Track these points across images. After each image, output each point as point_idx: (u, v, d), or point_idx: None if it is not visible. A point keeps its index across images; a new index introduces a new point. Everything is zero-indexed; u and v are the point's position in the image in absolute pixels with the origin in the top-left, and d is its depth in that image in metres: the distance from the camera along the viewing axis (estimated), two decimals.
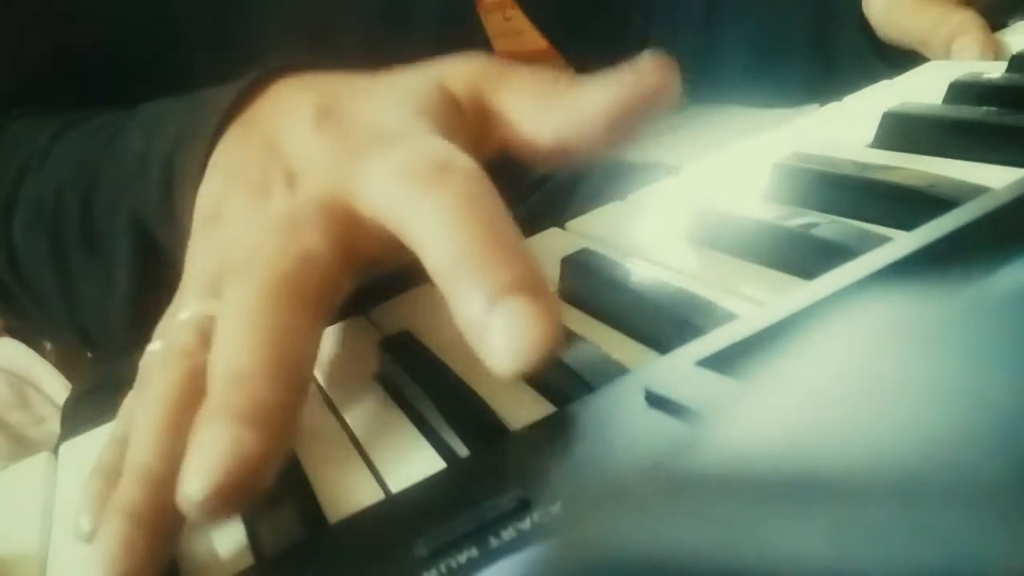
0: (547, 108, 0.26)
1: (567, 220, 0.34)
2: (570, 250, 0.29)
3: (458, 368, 0.25)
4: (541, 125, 0.26)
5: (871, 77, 0.39)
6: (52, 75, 0.43)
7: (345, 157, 0.24)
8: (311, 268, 0.22)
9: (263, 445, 0.19)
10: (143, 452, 0.21)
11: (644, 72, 0.26)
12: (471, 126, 0.27)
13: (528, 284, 0.19)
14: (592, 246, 0.30)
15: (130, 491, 0.20)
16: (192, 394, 0.22)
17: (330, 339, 0.31)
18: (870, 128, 0.33)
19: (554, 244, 0.33)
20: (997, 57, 0.38)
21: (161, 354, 0.24)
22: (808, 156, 0.32)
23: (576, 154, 0.27)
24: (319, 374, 0.29)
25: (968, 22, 0.39)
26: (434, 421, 0.24)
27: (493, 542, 0.17)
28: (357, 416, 0.26)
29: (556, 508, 0.17)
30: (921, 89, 0.35)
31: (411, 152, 0.23)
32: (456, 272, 0.20)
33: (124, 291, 0.33)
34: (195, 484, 0.18)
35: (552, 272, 0.30)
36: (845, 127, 0.35)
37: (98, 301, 0.35)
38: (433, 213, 0.21)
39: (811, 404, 0.10)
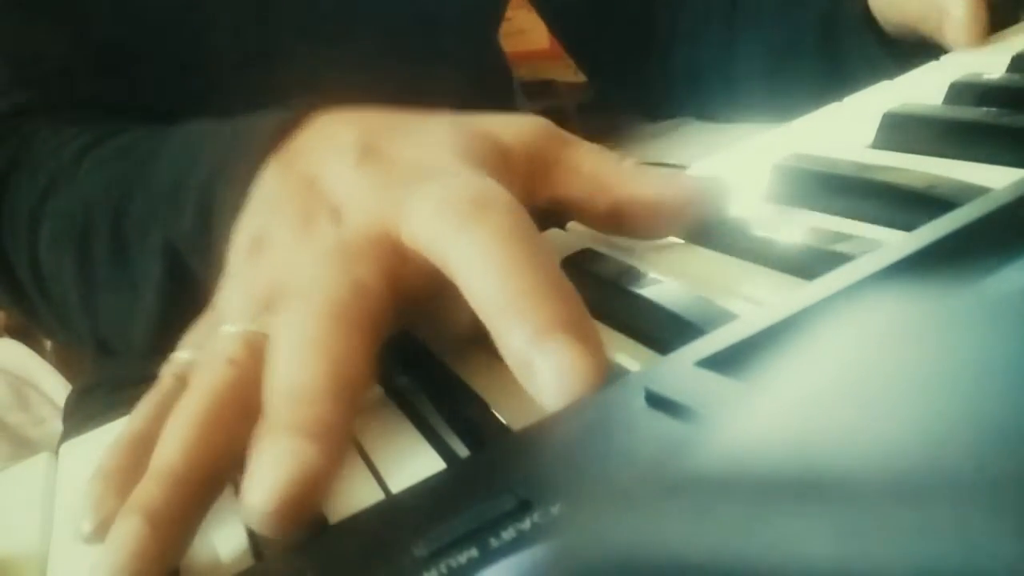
0: (608, 177, 0.27)
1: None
2: (570, 250, 0.29)
3: (458, 368, 0.25)
4: (599, 192, 0.27)
5: (880, 76, 0.39)
6: (72, 78, 0.43)
7: (389, 192, 0.24)
8: (363, 298, 0.22)
9: (327, 460, 0.19)
10: (174, 452, 0.21)
11: (701, 182, 0.28)
12: (519, 176, 0.27)
13: (572, 321, 0.20)
14: (593, 246, 0.30)
15: (153, 491, 0.20)
16: (237, 403, 0.22)
17: None
18: (870, 129, 0.33)
19: (555, 244, 0.33)
20: (988, 42, 0.38)
21: (206, 361, 0.24)
22: (808, 157, 0.32)
23: (621, 230, 0.28)
24: None
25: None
26: (434, 421, 0.24)
27: (493, 542, 0.17)
28: (357, 416, 0.26)
29: (556, 509, 0.17)
30: (921, 90, 0.35)
31: (452, 187, 0.23)
32: (500, 309, 0.20)
33: (152, 308, 0.34)
34: (263, 495, 0.18)
35: None
36: (845, 128, 0.35)
37: (122, 315, 0.35)
38: (474, 248, 0.21)
39: (811, 405, 0.10)
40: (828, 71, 0.47)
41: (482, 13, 0.55)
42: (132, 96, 0.41)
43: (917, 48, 0.42)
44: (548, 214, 0.29)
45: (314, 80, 0.45)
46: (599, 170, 0.28)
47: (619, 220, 0.28)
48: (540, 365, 0.19)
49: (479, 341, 0.28)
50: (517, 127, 0.28)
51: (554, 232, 0.34)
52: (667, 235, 0.29)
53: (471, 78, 0.52)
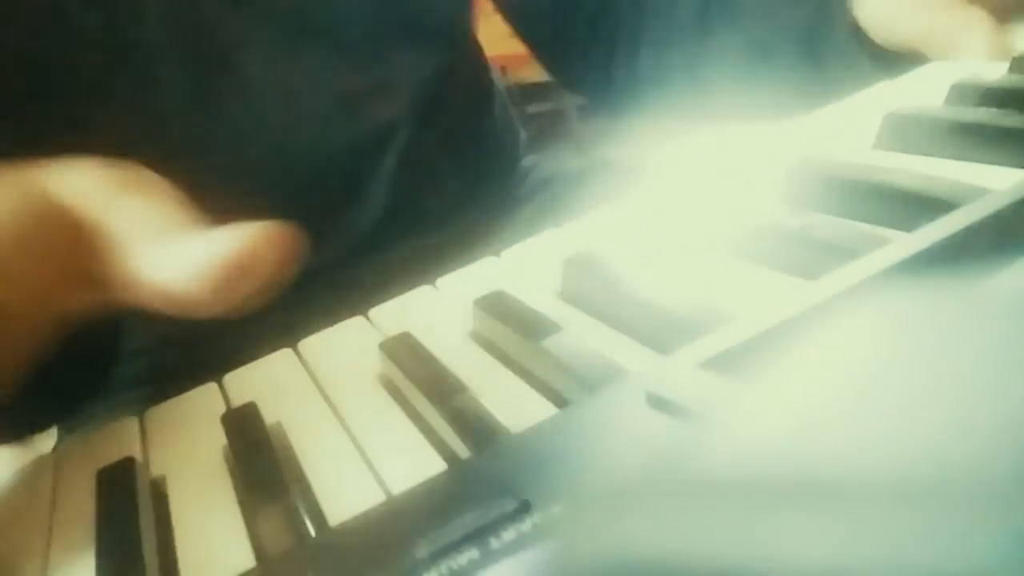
0: (156, 248, 0.24)
1: (567, 220, 0.34)
2: (571, 250, 0.29)
3: (458, 368, 0.25)
4: (146, 265, 0.24)
5: (862, 81, 0.38)
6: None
7: None
8: None
9: None
10: None
11: (260, 235, 0.24)
12: (68, 246, 0.25)
13: None
14: (593, 246, 0.30)
15: None
16: None
17: (330, 339, 0.31)
18: (871, 129, 0.33)
19: (554, 244, 0.33)
20: (1004, 56, 0.36)
21: None
22: (809, 157, 0.32)
23: (178, 304, 0.25)
24: (320, 374, 0.29)
25: (974, 20, 0.37)
26: (434, 421, 0.24)
27: (494, 543, 0.17)
28: (357, 416, 0.26)
29: (557, 510, 0.17)
30: (922, 90, 0.35)
31: None
32: None
33: None
34: None
35: (552, 272, 0.30)
36: (846, 128, 0.35)
37: None
38: None
39: (812, 406, 0.10)
40: (809, 77, 0.46)
41: (441, 19, 0.53)
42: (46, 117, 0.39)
43: (904, 54, 0.41)
44: None
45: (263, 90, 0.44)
46: (143, 238, 0.25)
47: (166, 302, 0.24)
48: None
49: (479, 341, 0.28)
50: (78, 182, 0.25)
51: (554, 232, 0.34)
52: (234, 305, 0.25)
53: (433, 83, 0.51)
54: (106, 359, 0.29)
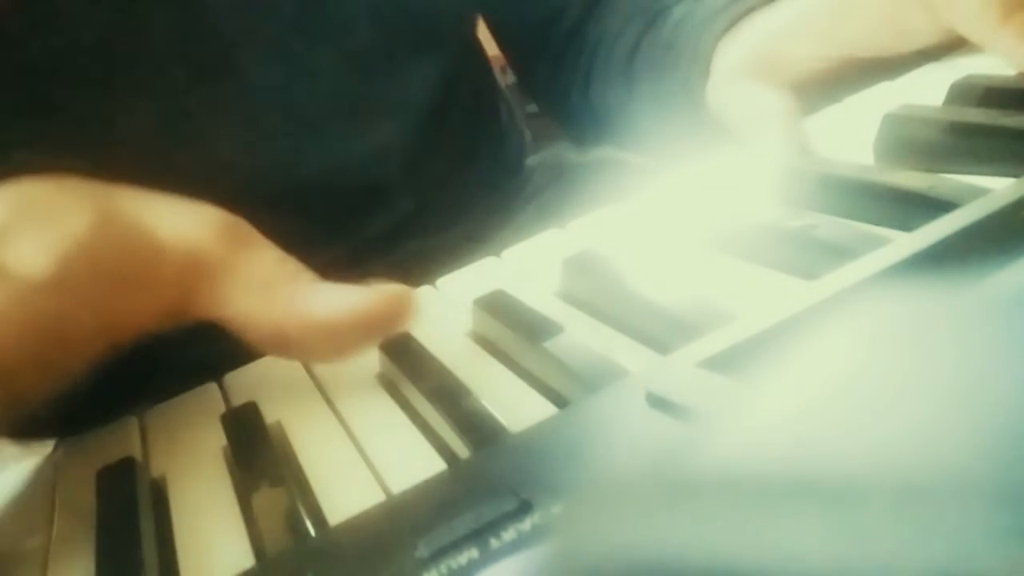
0: (277, 291, 0.25)
1: (567, 220, 0.34)
2: (571, 250, 0.29)
3: (458, 368, 0.25)
4: (264, 308, 0.25)
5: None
6: None
7: None
8: None
9: None
10: None
11: (382, 296, 0.25)
12: (166, 286, 0.25)
13: None
14: (593, 246, 0.30)
15: None
16: None
17: None
18: (871, 130, 0.33)
19: (554, 244, 0.33)
20: (801, 149, 0.34)
21: None
22: (809, 158, 0.32)
23: (289, 352, 0.26)
24: (320, 374, 0.29)
25: (777, 106, 0.36)
26: (434, 421, 0.24)
27: (494, 543, 0.17)
28: (357, 416, 0.26)
29: (557, 509, 0.17)
30: (921, 91, 0.35)
31: None
32: None
33: None
34: None
35: (552, 272, 0.30)
36: (846, 129, 0.35)
37: None
38: None
39: (811, 405, 0.10)
40: (700, 134, 0.44)
41: (440, 22, 0.53)
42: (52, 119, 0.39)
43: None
44: None
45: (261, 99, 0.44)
46: (270, 282, 0.25)
47: (285, 342, 0.25)
48: None
49: (478, 342, 0.28)
50: (184, 226, 0.26)
51: (554, 232, 0.34)
52: (347, 356, 0.26)
53: (439, 91, 0.51)
54: (144, 374, 0.29)
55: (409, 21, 0.49)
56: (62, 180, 0.27)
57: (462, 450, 0.22)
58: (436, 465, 0.22)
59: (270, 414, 0.27)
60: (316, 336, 0.25)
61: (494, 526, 0.17)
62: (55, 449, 0.30)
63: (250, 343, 0.26)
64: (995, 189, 0.24)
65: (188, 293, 0.25)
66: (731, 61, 0.41)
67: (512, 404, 0.23)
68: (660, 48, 0.47)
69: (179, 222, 0.26)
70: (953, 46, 0.34)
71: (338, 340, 0.26)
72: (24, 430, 0.29)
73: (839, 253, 0.24)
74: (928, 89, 0.35)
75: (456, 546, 0.17)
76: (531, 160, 0.62)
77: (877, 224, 0.27)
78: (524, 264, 0.32)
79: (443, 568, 0.17)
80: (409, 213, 0.49)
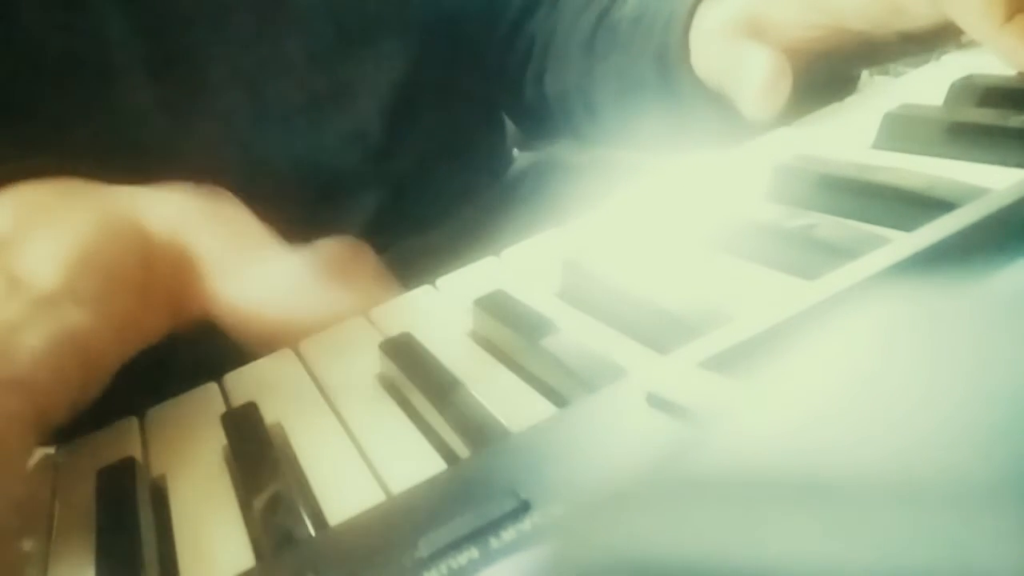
0: (241, 275, 0.25)
1: (567, 220, 0.34)
2: (571, 250, 0.29)
3: (458, 368, 0.25)
4: (239, 291, 0.25)
5: (729, 126, 0.37)
6: None
7: None
8: None
9: None
10: None
11: (339, 254, 0.25)
12: (162, 275, 0.25)
13: None
14: (593, 246, 0.30)
15: None
16: None
17: (330, 339, 0.31)
18: (871, 129, 0.33)
19: (554, 244, 0.33)
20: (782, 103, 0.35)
21: None
22: (809, 157, 0.32)
23: (271, 322, 0.25)
24: (320, 374, 0.29)
25: (765, 59, 0.36)
26: (434, 421, 0.24)
27: (493, 543, 0.17)
28: (357, 416, 0.26)
29: (556, 509, 0.17)
30: (921, 90, 0.35)
31: None
32: None
33: None
34: None
35: (552, 272, 0.30)
36: (846, 128, 0.35)
37: None
38: None
39: (812, 405, 0.10)
40: (669, 107, 0.44)
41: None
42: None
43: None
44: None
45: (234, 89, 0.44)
46: (237, 271, 0.25)
47: (264, 330, 0.25)
48: None
49: (477, 341, 0.28)
50: (165, 212, 0.26)
51: (554, 233, 0.34)
52: (327, 320, 0.26)
53: (404, 82, 0.51)
54: (160, 375, 0.29)
55: (368, 11, 0.48)
56: (55, 184, 0.27)
57: (462, 450, 0.22)
58: (436, 465, 0.22)
59: (270, 414, 0.27)
60: (296, 307, 0.25)
61: (494, 526, 0.17)
62: (56, 449, 0.30)
63: (240, 341, 0.26)
64: (995, 189, 0.24)
65: (184, 289, 0.25)
66: (716, 23, 0.40)
67: (512, 404, 0.23)
68: (625, 23, 0.46)
69: (166, 214, 0.26)
70: (945, 35, 0.34)
71: (316, 305, 0.25)
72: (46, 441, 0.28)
73: (839, 253, 0.24)
74: (928, 89, 0.35)
75: (456, 546, 0.17)
76: (526, 158, 0.61)
77: (877, 224, 0.27)
78: (524, 264, 0.32)
79: (443, 568, 0.17)
80: (383, 207, 0.48)
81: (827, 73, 0.39)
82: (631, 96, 0.46)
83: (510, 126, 0.62)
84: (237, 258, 0.25)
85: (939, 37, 0.35)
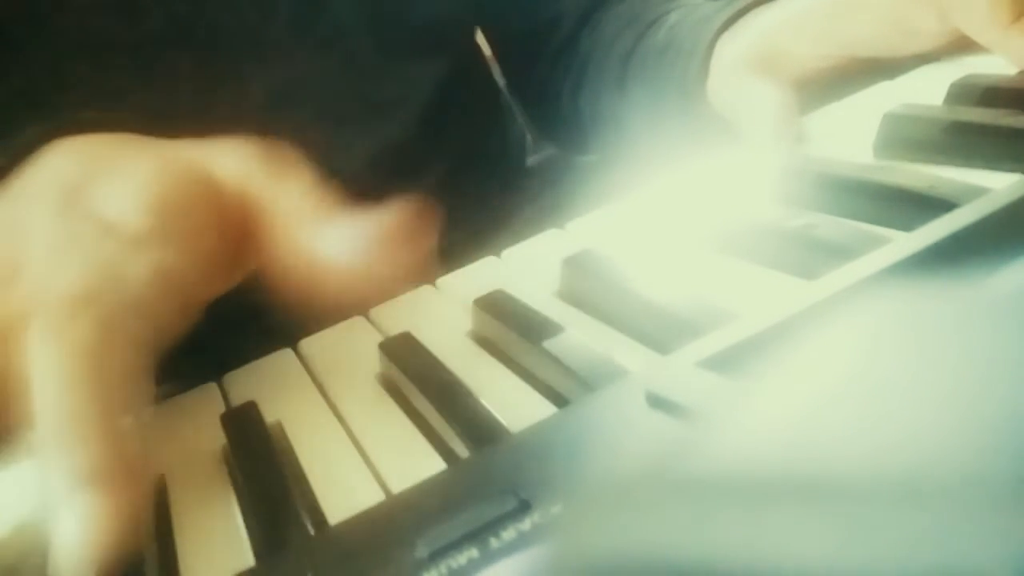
0: (308, 230, 0.25)
1: (567, 220, 0.34)
2: (571, 250, 0.29)
3: (458, 368, 0.25)
4: (301, 247, 0.25)
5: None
6: None
7: (29, 288, 0.23)
8: None
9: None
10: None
11: (404, 216, 0.25)
12: (230, 224, 0.25)
13: (106, 469, 0.19)
14: (593, 246, 0.30)
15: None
16: None
17: (330, 339, 0.31)
18: (871, 130, 0.33)
19: (554, 244, 0.33)
20: (795, 141, 0.35)
21: None
22: (809, 157, 0.32)
23: (332, 281, 0.25)
24: (320, 374, 0.29)
25: (775, 98, 0.36)
26: (434, 421, 0.24)
27: (493, 543, 0.17)
28: (357, 416, 0.26)
29: (556, 509, 0.17)
30: (921, 90, 0.35)
31: (56, 289, 0.22)
32: (44, 440, 0.20)
33: None
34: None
35: (552, 272, 0.30)
36: (846, 128, 0.35)
37: None
38: (45, 363, 0.21)
39: (812, 405, 0.10)
40: (690, 140, 0.45)
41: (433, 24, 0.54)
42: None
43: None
44: None
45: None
46: (299, 228, 0.25)
47: (315, 285, 0.25)
48: (64, 519, 0.19)
49: (477, 341, 0.28)
50: (234, 165, 0.26)
51: (554, 232, 0.34)
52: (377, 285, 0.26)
53: (440, 95, 0.51)
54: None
55: (407, 28, 0.49)
56: (113, 136, 0.27)
57: (462, 450, 0.22)
58: (436, 465, 0.22)
59: (270, 414, 0.27)
60: (358, 268, 0.24)
61: (494, 526, 0.17)
62: None
63: (295, 299, 0.26)
64: (995, 189, 0.24)
65: (252, 239, 0.25)
66: (732, 57, 0.41)
67: (512, 404, 0.23)
68: (655, 51, 0.47)
69: (233, 164, 0.26)
70: (956, 49, 0.34)
71: (377, 267, 0.25)
72: None
73: (839, 253, 0.24)
74: (928, 89, 0.35)
75: (456, 546, 0.17)
76: (532, 161, 0.62)
77: (877, 224, 0.27)
78: (524, 264, 0.32)
79: (443, 568, 0.17)
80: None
81: (842, 91, 0.39)
82: (658, 122, 0.47)
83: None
84: (304, 214, 0.26)
85: (951, 51, 0.35)
